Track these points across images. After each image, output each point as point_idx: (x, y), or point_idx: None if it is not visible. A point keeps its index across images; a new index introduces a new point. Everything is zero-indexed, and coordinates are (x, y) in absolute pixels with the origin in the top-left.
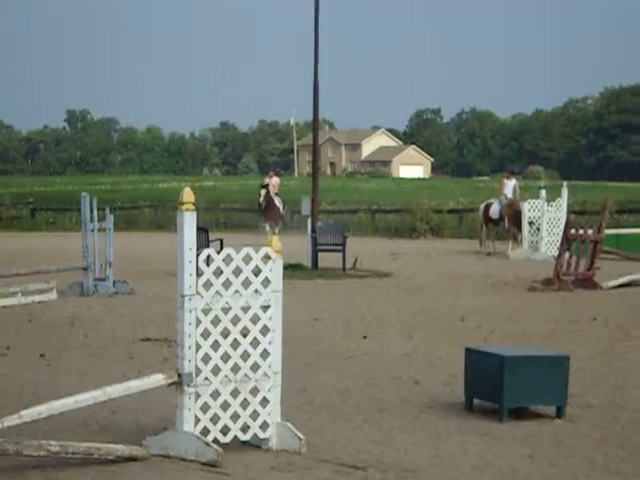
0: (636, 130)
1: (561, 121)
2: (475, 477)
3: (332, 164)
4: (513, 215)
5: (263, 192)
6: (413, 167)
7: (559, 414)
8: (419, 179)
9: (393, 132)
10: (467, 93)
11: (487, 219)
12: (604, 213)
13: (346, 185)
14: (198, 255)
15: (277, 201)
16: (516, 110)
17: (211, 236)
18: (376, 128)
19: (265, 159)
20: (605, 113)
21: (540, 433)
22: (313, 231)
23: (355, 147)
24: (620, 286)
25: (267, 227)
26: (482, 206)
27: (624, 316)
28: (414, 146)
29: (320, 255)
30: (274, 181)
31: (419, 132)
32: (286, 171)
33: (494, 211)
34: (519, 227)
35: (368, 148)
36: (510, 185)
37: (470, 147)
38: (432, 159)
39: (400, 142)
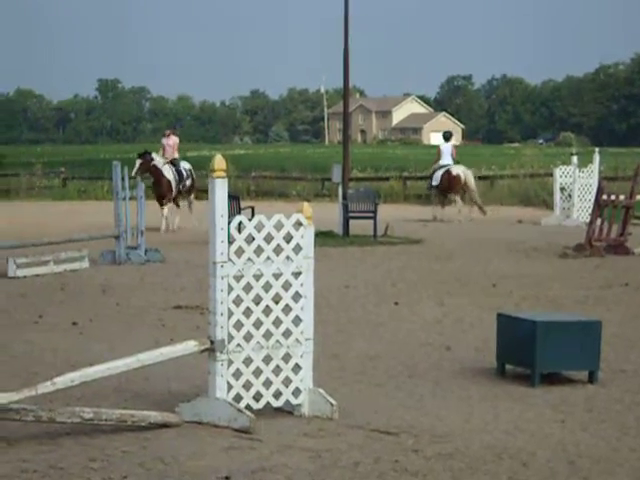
0: None
1: (592, 87)
2: (507, 442)
3: (363, 132)
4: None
5: (138, 163)
6: None
7: (591, 379)
8: None
9: (423, 99)
10: (498, 59)
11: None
12: (636, 179)
13: (377, 152)
14: (230, 222)
15: (167, 171)
16: (547, 76)
17: (242, 204)
18: (407, 95)
19: (296, 127)
20: (636, 79)
21: (572, 398)
22: (344, 198)
23: (385, 114)
24: None
25: (163, 211)
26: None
27: None
28: (445, 113)
29: (351, 222)
30: (171, 142)
31: (450, 99)
32: (317, 139)
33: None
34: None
35: (398, 115)
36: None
37: (501, 114)
38: (463, 126)
39: (431, 109)
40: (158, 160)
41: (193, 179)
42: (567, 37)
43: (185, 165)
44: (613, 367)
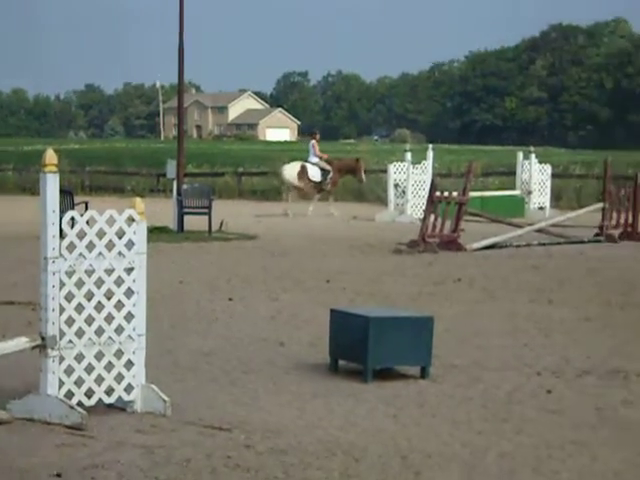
0: (500, 94)
1: (427, 84)
2: (340, 437)
3: (198, 127)
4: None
5: None
6: (280, 130)
7: (423, 375)
8: (286, 142)
9: (260, 95)
10: (334, 56)
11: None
12: (469, 176)
13: (212, 148)
14: (62, 217)
15: None
16: (382, 73)
17: (76, 199)
18: (243, 91)
19: (131, 122)
20: (471, 76)
21: (405, 394)
22: (179, 194)
23: (222, 110)
24: (484, 248)
25: None
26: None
27: (488, 277)
28: (281, 109)
29: (186, 218)
30: None
31: (286, 95)
32: (153, 134)
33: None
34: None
35: (235, 111)
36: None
37: (336, 110)
38: (299, 122)
39: (267, 105)
40: None
41: None
42: (401, 34)
43: None
44: (444, 362)
